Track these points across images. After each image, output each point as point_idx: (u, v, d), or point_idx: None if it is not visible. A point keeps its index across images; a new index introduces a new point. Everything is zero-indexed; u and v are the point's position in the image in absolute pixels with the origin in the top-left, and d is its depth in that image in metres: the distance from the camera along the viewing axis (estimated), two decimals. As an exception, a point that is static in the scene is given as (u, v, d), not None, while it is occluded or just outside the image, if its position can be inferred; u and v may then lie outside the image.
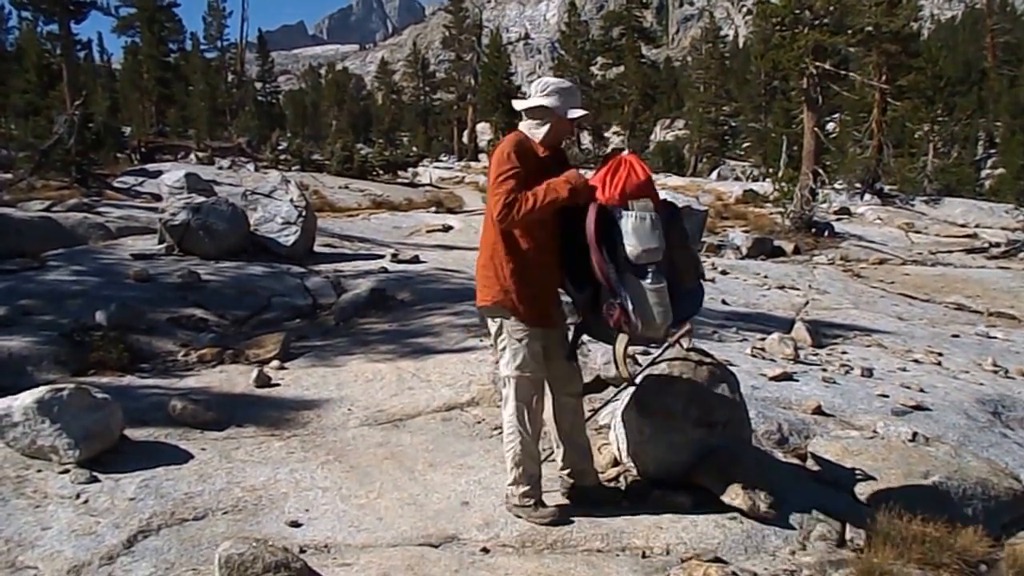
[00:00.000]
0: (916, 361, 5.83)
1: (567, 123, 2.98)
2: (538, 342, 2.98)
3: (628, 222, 2.77)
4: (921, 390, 4.85)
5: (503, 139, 2.99)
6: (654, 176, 3.49)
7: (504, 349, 2.98)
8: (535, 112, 2.97)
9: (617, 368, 2.92)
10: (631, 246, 2.76)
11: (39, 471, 3.21)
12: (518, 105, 3.02)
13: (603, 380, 3.37)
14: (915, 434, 3.90)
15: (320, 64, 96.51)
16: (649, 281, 2.77)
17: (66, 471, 3.19)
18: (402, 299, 6.71)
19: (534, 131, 2.97)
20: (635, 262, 2.77)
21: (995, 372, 5.72)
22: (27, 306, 5.77)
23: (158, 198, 11.54)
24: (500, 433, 3.21)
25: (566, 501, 3.13)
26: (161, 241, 8.12)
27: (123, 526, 2.86)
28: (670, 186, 23.04)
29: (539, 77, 3.15)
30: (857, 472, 3.49)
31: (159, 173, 14.43)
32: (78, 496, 3.04)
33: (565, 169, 2.94)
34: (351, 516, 3.04)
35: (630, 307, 2.77)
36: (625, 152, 2.94)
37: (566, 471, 3.16)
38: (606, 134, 41.49)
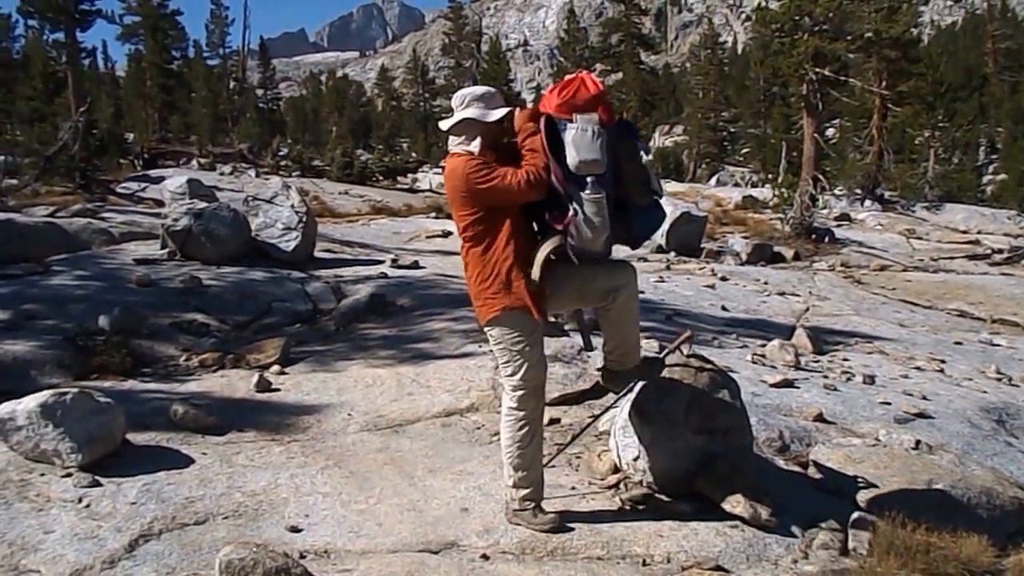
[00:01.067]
0: (918, 368, 5.80)
1: (494, 126, 2.95)
2: (539, 348, 2.99)
3: (569, 133, 2.81)
4: (924, 398, 4.83)
5: (453, 170, 2.90)
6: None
7: (504, 359, 2.98)
8: (460, 128, 2.93)
9: (531, 268, 2.88)
10: (571, 156, 2.79)
11: (42, 475, 3.21)
12: (444, 126, 2.98)
13: (603, 386, 3.37)
14: (918, 442, 3.89)
15: (321, 71, 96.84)
16: (588, 191, 2.80)
17: (69, 475, 3.20)
18: (402, 304, 6.72)
19: (470, 148, 2.91)
20: (575, 172, 2.80)
21: (999, 380, 5.68)
22: (31, 310, 5.78)
23: (161, 204, 11.55)
24: (499, 439, 3.20)
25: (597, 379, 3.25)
26: (163, 246, 8.14)
27: (125, 530, 2.87)
28: (669, 192, 23.03)
29: (458, 90, 3.09)
30: (859, 480, 3.48)
31: (161, 179, 14.46)
32: (80, 500, 3.05)
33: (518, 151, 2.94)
34: (351, 522, 3.04)
35: (572, 215, 2.80)
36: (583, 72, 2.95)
37: (608, 358, 3.17)
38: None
